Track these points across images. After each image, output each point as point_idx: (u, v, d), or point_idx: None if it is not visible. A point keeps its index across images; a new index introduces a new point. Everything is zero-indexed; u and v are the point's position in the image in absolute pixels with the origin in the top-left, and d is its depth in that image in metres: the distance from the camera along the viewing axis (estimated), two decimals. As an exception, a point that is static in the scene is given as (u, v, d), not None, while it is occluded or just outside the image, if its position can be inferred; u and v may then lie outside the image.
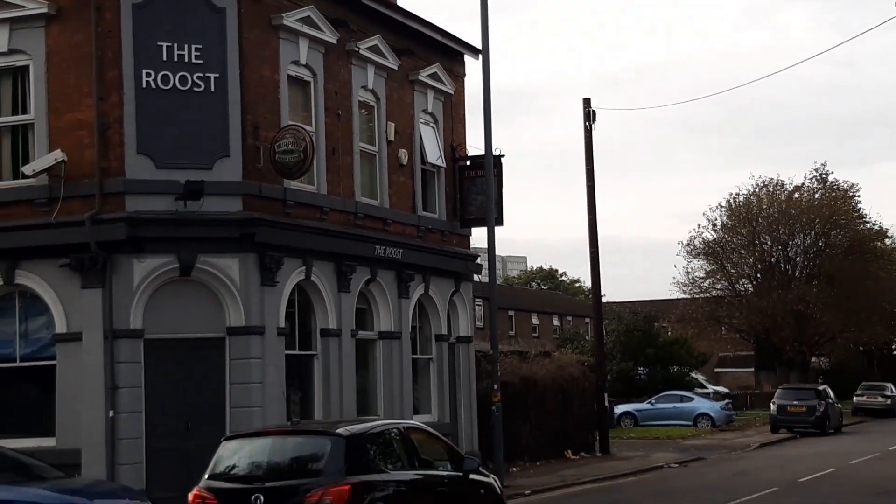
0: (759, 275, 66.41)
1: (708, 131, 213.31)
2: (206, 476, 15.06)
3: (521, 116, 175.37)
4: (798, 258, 66.55)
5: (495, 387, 27.89)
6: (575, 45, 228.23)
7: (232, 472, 15.06)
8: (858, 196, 67.67)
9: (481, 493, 16.27)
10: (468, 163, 31.20)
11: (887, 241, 69.35)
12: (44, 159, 22.70)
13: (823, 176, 67.59)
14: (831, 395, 47.98)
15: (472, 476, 16.16)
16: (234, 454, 15.60)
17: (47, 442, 22.53)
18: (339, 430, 15.13)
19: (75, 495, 16.17)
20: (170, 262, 22.86)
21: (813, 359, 67.07)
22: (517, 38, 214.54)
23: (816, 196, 66.35)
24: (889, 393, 60.76)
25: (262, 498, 14.09)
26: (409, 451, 15.77)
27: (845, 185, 68.26)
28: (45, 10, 23.01)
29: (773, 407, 46.13)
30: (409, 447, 16.05)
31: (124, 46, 22.66)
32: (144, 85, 22.77)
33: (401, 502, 14.93)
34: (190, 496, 14.83)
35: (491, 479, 17.61)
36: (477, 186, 30.32)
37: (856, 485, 26.39)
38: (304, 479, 14.23)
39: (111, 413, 22.35)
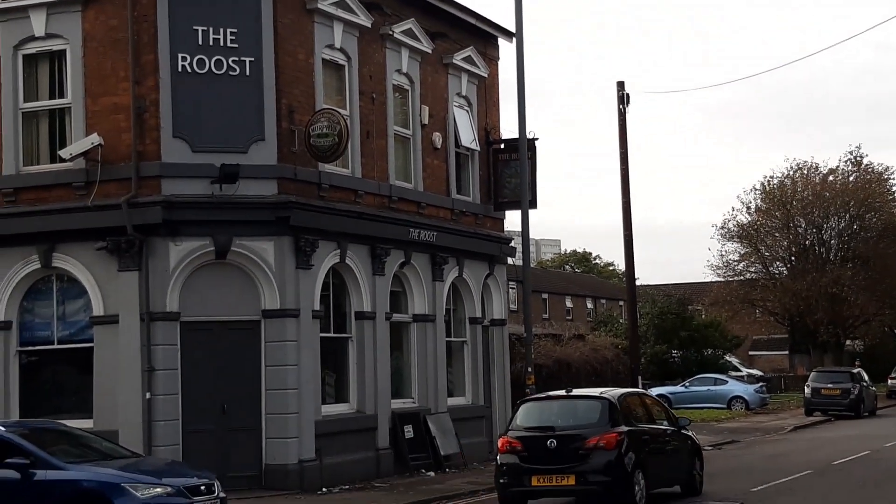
0: (793, 258, 66.34)
1: (742, 114, 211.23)
2: (508, 428, 21.33)
3: (556, 98, 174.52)
4: (832, 241, 66.26)
5: (529, 369, 28.23)
6: (608, 25, 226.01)
7: (529, 425, 20.74)
8: (894, 179, 67.74)
9: (688, 443, 23.02)
10: (502, 146, 31.28)
11: None
12: (81, 143, 22.75)
13: (858, 159, 67.20)
14: (866, 377, 48.02)
15: (683, 430, 23.11)
16: (529, 413, 21.59)
17: (85, 423, 22.34)
18: (605, 395, 21.31)
19: (144, 474, 16.64)
20: (205, 246, 23.01)
21: (847, 342, 67.10)
22: (553, 20, 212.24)
23: (851, 179, 66.23)
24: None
25: (554, 442, 19.99)
26: (644, 411, 22.45)
27: (880, 168, 67.94)
28: (81, -4, 21.96)
29: (807, 390, 46.07)
30: (644, 408, 22.78)
31: (160, 30, 22.74)
32: (180, 69, 22.83)
33: (646, 445, 20.99)
34: (500, 442, 21.01)
35: (692, 433, 24.13)
36: (511, 169, 30.43)
37: (889, 467, 26.15)
38: (584, 430, 20.06)
39: (148, 395, 22.50)
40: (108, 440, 18.50)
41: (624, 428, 20.06)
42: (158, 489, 16.14)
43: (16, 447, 16.39)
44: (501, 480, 20.40)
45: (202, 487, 16.79)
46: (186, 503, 16.21)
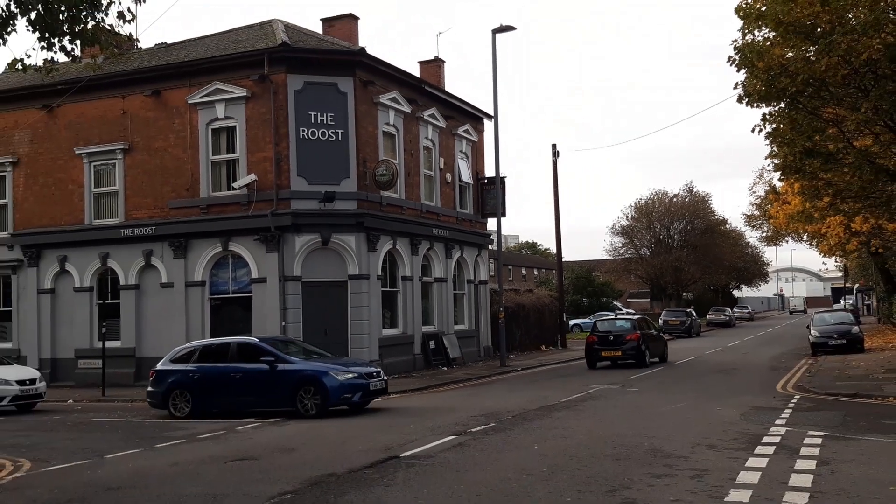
0: (652, 245, 74.25)
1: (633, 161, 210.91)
2: (590, 332, 28.61)
3: (515, 150, 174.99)
4: (675, 235, 73.82)
5: (500, 309, 29.95)
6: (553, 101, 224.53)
7: (599, 330, 27.93)
8: (711, 200, 76.98)
9: (663, 339, 29.91)
10: (486, 181, 33.17)
11: (727, 226, 77.49)
12: (244, 179, 24.60)
13: (691, 188, 76.41)
14: (694, 314, 51.39)
15: (660, 334, 29.91)
16: (599, 324, 28.76)
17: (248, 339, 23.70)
18: (632, 318, 29.18)
19: (340, 365, 17.14)
20: (316, 238, 24.59)
21: (684, 294, 71.55)
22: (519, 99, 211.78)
23: (686, 200, 74.36)
24: (728, 313, 70.58)
25: (611, 337, 27.04)
26: (647, 325, 28.69)
27: (703, 193, 77.33)
28: (244, 94, 24.91)
29: (660, 320, 47.94)
30: (647, 323, 28.96)
31: (290, 114, 24.49)
32: (301, 136, 24.56)
33: (649, 338, 27.48)
34: (587, 338, 28.24)
35: (664, 335, 31.27)
36: (491, 194, 32.39)
37: (708, 365, 27.95)
38: (625, 332, 26.96)
39: (283, 323, 23.99)
40: (314, 347, 19.02)
41: (640, 332, 27.23)
42: (349, 374, 16.71)
43: (265, 350, 17.02)
44: (589, 353, 27.33)
45: (374, 373, 17.23)
46: (365, 383, 16.78)
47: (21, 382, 19.73)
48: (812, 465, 10.13)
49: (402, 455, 11.53)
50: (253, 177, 24.03)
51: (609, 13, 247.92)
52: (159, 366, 18.43)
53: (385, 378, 17.80)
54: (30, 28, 9.82)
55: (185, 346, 19.26)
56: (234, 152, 24.80)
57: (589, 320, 54.67)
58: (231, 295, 25.07)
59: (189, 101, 24.96)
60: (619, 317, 33.29)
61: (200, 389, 17.50)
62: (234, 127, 24.73)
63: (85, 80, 24.17)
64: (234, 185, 24.36)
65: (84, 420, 18.03)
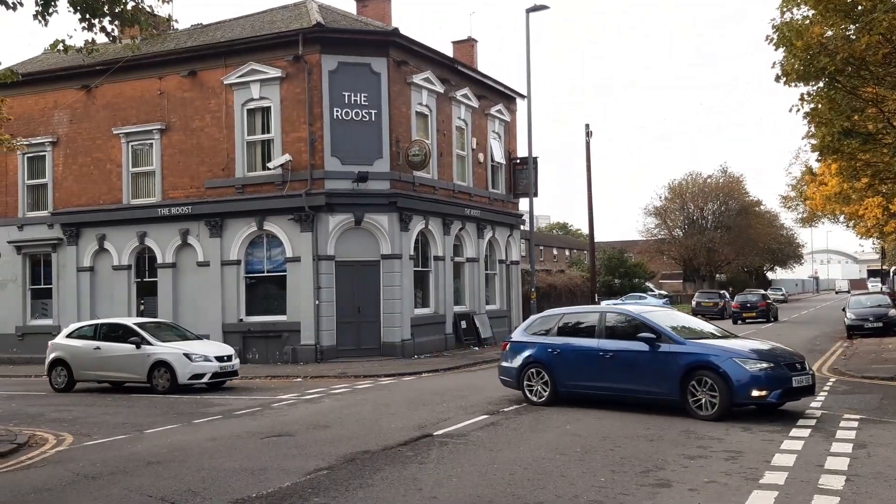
0: (686, 226, 74.14)
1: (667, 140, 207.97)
2: (735, 302, 37.11)
3: (547, 130, 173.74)
4: (709, 216, 73.50)
5: (532, 289, 30.12)
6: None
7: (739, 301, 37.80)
8: (744, 181, 76.68)
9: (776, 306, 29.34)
10: (518, 161, 33.00)
11: (761, 207, 77.14)
12: (279, 159, 24.74)
13: (725, 169, 76.60)
14: (727, 296, 50.05)
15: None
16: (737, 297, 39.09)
17: (281, 318, 24.75)
18: (757, 292, 33.69)
19: (735, 348, 12.53)
20: (349, 218, 24.78)
21: (717, 275, 70.90)
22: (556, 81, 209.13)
23: (720, 181, 73.89)
24: (759, 294, 65.22)
25: (748, 304, 37.57)
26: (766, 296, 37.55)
27: (737, 174, 76.50)
28: (279, 74, 24.98)
29: (693, 302, 48.32)
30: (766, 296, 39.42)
31: (324, 95, 24.60)
32: (335, 116, 24.66)
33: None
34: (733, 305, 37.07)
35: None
36: (523, 174, 32.29)
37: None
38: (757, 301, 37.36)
39: (316, 302, 24.26)
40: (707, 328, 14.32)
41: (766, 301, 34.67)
42: (763, 364, 12.15)
43: (646, 326, 13.03)
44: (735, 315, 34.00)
45: (797, 366, 12.54)
46: (786, 375, 12.28)
47: (220, 359, 18.86)
48: (848, 448, 10.02)
49: (435, 434, 11.61)
50: (287, 157, 24.15)
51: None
52: (513, 336, 15.64)
53: (813, 373, 13.34)
54: (70, 9, 9.93)
55: (545, 315, 15.65)
56: (269, 132, 24.91)
57: (620, 301, 54.60)
58: (266, 274, 25.26)
59: (225, 82, 25.09)
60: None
61: (563, 369, 14.11)
62: (269, 107, 24.84)
63: (123, 60, 24.35)
64: (269, 164, 24.51)
65: (122, 395, 18.35)
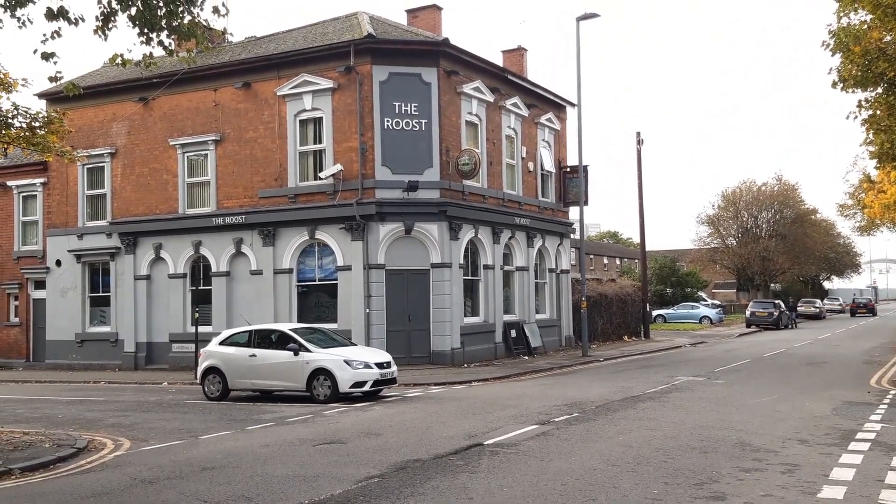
0: (740, 234, 73.14)
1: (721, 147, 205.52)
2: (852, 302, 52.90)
3: (600, 139, 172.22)
4: (763, 225, 72.44)
5: (583, 298, 29.59)
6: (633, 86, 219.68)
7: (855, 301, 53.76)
8: (800, 189, 78.39)
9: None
10: (568, 169, 32.88)
11: (817, 216, 75.64)
12: (331, 169, 24.90)
13: (780, 176, 74.53)
14: (783, 305, 48.95)
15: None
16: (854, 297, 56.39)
17: (332, 325, 24.48)
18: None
19: None
20: (399, 227, 24.82)
21: (772, 284, 70.14)
22: (608, 92, 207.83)
23: (775, 189, 72.55)
24: (818, 305, 66.99)
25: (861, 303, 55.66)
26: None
27: (792, 182, 76.03)
28: (331, 85, 25.22)
29: (747, 312, 47.09)
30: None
31: (375, 105, 24.75)
32: (386, 126, 24.77)
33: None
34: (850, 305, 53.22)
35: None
36: (573, 183, 32.02)
37: (797, 358, 27.00)
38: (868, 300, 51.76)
39: (367, 310, 24.33)
40: None
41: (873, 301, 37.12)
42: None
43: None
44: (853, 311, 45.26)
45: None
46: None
47: (379, 365, 17.77)
48: (910, 463, 9.90)
49: (485, 443, 11.58)
50: (339, 167, 24.35)
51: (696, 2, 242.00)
52: None
53: None
54: (129, 23, 10.19)
55: None
56: (320, 143, 25.16)
57: (673, 311, 53.96)
58: (317, 282, 25.48)
59: (278, 93, 25.41)
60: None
61: None
62: (321, 118, 25.11)
63: (180, 73, 24.66)
64: (321, 174, 24.70)
65: (178, 401, 18.64)
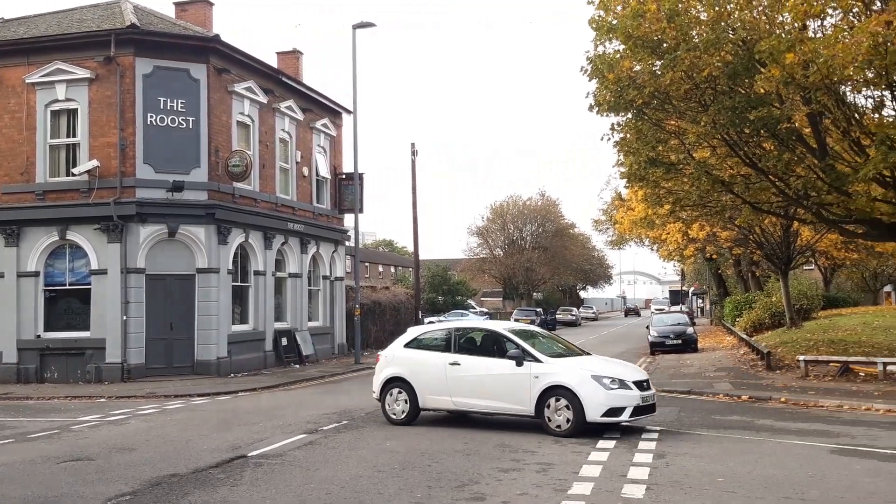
0: (506, 246, 77.34)
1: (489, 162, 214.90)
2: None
3: (374, 147, 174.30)
4: (528, 237, 77.02)
5: (357, 306, 29.98)
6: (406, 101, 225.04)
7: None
8: (560, 204, 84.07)
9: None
10: (343, 176, 33.03)
11: (575, 230, 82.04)
12: (85, 165, 23.68)
13: (543, 193, 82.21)
14: (543, 313, 51.86)
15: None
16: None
17: (84, 334, 23.54)
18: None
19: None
20: (162, 229, 23.97)
21: (535, 293, 74.97)
22: (380, 100, 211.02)
23: (539, 203, 77.99)
24: (574, 313, 73.37)
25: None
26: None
27: (554, 198, 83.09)
28: (88, 75, 23.91)
29: (512, 319, 50.46)
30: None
31: (137, 99, 23.73)
32: (149, 122, 23.84)
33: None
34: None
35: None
36: (348, 190, 32.35)
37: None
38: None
39: (124, 317, 23.31)
40: None
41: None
42: None
43: None
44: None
45: None
46: None
47: (639, 385, 12.88)
48: (649, 458, 10.63)
49: (249, 454, 11.34)
50: (95, 163, 23.10)
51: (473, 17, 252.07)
52: None
53: None
54: None
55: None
56: (75, 136, 23.78)
57: (444, 317, 55.62)
58: (68, 287, 23.91)
59: (27, 81, 23.71)
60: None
61: None
62: (76, 109, 23.72)
63: None
64: (74, 170, 23.37)
65: None
